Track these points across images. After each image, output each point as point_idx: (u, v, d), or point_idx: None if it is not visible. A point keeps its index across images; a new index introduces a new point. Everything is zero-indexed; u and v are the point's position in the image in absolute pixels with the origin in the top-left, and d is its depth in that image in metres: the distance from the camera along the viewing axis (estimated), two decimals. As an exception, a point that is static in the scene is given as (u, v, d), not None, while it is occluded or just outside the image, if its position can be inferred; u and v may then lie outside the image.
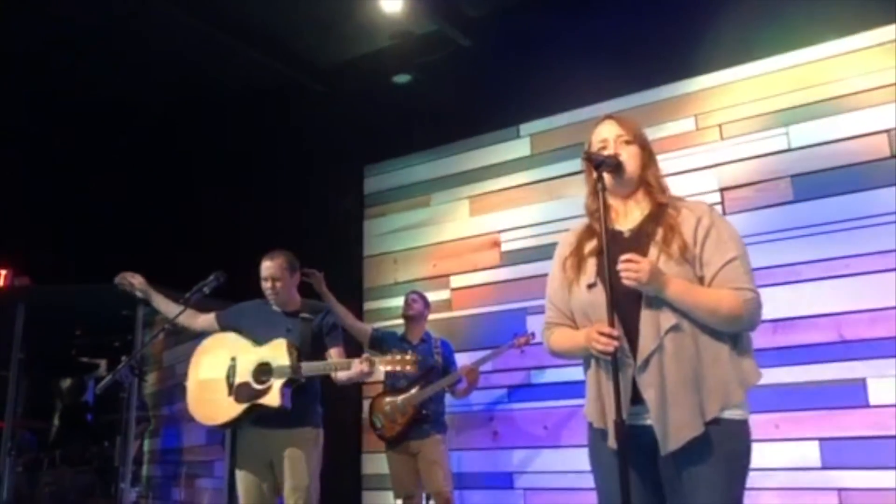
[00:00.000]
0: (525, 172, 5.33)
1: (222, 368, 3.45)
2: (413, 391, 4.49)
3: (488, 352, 4.71)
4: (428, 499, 4.53)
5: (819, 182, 4.26)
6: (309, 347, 3.43)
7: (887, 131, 4.12)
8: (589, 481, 2.16)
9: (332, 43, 5.74)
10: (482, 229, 5.44)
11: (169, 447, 6.14)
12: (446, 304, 5.42)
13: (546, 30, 5.15)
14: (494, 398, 5.06)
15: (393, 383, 4.59)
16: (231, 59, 5.75)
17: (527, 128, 5.39)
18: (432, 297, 5.04)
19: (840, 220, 4.15)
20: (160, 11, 5.15)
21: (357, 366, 3.23)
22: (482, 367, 4.64)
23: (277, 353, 3.35)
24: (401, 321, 4.84)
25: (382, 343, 4.63)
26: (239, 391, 3.38)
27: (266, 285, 3.55)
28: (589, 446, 2.15)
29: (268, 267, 3.55)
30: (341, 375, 3.37)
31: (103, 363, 6.26)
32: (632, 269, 1.92)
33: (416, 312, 4.71)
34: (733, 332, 2.00)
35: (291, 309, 3.59)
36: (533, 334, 4.57)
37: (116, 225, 6.72)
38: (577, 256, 2.14)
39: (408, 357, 3.26)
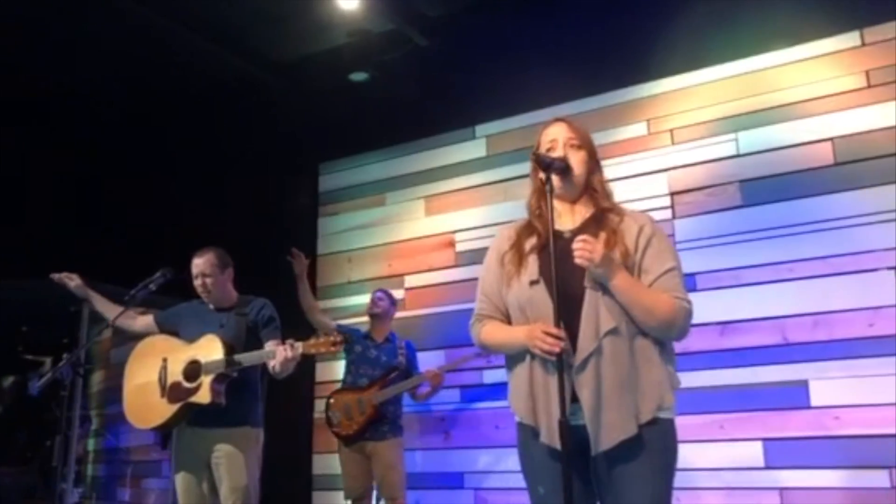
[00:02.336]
0: (480, 173, 5.35)
1: (154, 370, 3.41)
2: (373, 390, 4.42)
3: (456, 358, 4.70)
4: (378, 500, 4.50)
5: (766, 187, 4.35)
6: (243, 342, 3.37)
7: (831, 139, 4.23)
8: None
9: (288, 39, 5.68)
10: (437, 229, 5.44)
11: (115, 447, 6.02)
12: (400, 304, 5.39)
13: (503, 32, 5.18)
14: (447, 398, 5.06)
15: (354, 381, 4.52)
16: (185, 52, 5.65)
17: (483, 129, 5.42)
18: (386, 297, 5.02)
19: (786, 225, 4.25)
20: (108, 2, 5.03)
21: (280, 352, 3.16)
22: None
23: (207, 349, 3.30)
24: (357, 319, 4.80)
25: (348, 331, 4.55)
26: (171, 392, 3.34)
27: (196, 283, 3.51)
28: (518, 444, 2.17)
29: (197, 264, 3.51)
30: (272, 364, 3.28)
31: (48, 360, 6.12)
32: (586, 248, 1.95)
33: (381, 310, 4.64)
34: (662, 337, 2.06)
35: (226, 305, 3.54)
36: None
37: (64, 220, 6.57)
38: (518, 252, 2.15)
39: (332, 338, 3.17)
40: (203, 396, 3.24)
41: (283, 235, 5.89)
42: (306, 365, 4.89)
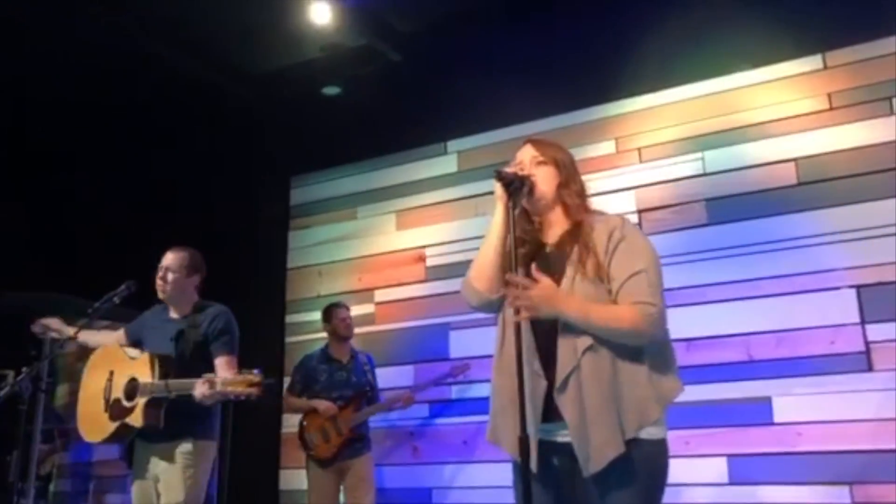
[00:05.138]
0: (451, 189, 5.38)
1: (102, 382, 3.29)
2: (348, 412, 4.41)
3: (426, 380, 4.83)
4: None
5: (731, 206, 4.42)
6: (188, 358, 3.20)
7: (794, 160, 4.31)
8: (505, 496, 2.20)
9: (262, 52, 5.67)
10: (408, 244, 5.46)
11: (79, 461, 5.92)
12: (370, 318, 5.40)
13: (475, 49, 5.22)
14: (415, 413, 5.04)
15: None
16: (156, 63, 5.62)
17: (454, 144, 5.45)
18: (356, 311, 5.02)
19: (750, 243, 4.31)
20: (82, 9, 4.99)
21: (199, 387, 2.93)
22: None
23: (144, 368, 3.14)
24: (319, 335, 4.80)
25: (306, 374, 4.56)
26: (112, 408, 3.21)
27: (158, 275, 3.36)
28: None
29: (167, 257, 3.38)
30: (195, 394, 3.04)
31: (11, 374, 6.00)
32: (521, 297, 1.94)
33: (352, 333, 4.67)
34: (638, 345, 1.99)
35: (184, 313, 3.37)
36: (468, 364, 4.69)
37: (31, 231, 6.48)
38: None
39: (249, 377, 2.88)
40: (136, 419, 3.09)
41: (254, 248, 5.88)
42: (274, 380, 4.86)
